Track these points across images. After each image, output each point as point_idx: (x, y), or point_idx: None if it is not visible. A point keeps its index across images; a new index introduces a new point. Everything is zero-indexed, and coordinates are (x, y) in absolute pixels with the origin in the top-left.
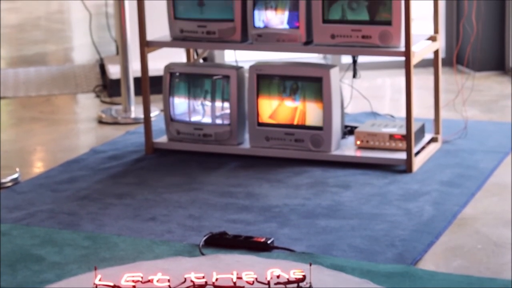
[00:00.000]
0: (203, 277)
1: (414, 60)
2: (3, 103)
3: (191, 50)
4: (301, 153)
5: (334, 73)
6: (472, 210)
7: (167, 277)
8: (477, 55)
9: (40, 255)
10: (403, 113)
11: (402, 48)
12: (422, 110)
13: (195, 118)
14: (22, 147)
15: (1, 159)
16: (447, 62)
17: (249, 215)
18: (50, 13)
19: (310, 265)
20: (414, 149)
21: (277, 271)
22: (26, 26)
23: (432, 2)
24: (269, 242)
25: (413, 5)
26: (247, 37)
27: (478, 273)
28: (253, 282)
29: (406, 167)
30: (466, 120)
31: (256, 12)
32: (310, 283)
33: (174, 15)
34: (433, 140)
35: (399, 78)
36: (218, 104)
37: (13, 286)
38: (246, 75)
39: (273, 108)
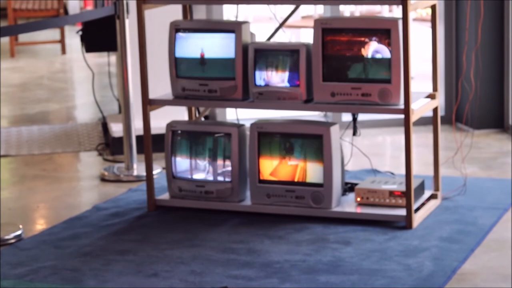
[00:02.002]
0: None
1: (413, 118)
2: (6, 161)
3: (193, 108)
4: (302, 209)
5: (334, 130)
6: (471, 266)
7: None
8: (476, 113)
9: None
10: (403, 170)
11: (401, 105)
12: (422, 167)
13: (197, 176)
14: (25, 204)
15: (5, 217)
16: (447, 120)
17: (251, 271)
18: (53, 73)
19: None
20: (414, 206)
21: None
22: (29, 85)
23: (431, 60)
24: None
25: (412, 63)
26: (248, 95)
27: None
28: None
29: (406, 224)
30: (465, 177)
31: (257, 71)
32: None
33: (176, 74)
34: (433, 196)
35: (399, 136)
36: (220, 161)
37: None
38: (247, 132)
39: (274, 165)
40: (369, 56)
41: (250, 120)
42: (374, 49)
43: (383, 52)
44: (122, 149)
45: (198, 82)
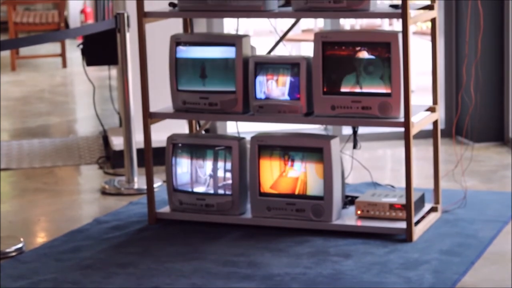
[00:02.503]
0: None
1: (413, 131)
2: (7, 174)
3: (194, 121)
4: (302, 222)
5: (334, 143)
6: (471, 279)
7: None
8: (476, 126)
9: None
10: (403, 183)
11: (402, 119)
12: (422, 180)
13: (197, 189)
14: (26, 217)
15: (6, 230)
16: (447, 133)
17: (251, 284)
18: (54, 86)
19: None
20: (414, 219)
21: None
22: (30, 98)
23: (431, 73)
24: None
25: (412, 76)
26: (249, 108)
27: None
28: None
29: (406, 236)
30: (465, 190)
31: (258, 84)
32: None
33: (177, 87)
34: (433, 209)
35: (400, 149)
36: (220, 174)
37: None
38: (248, 146)
39: (275, 178)
40: (369, 69)
41: (250, 133)
42: (374, 62)
43: (383, 65)
44: (122, 162)
45: (198, 95)
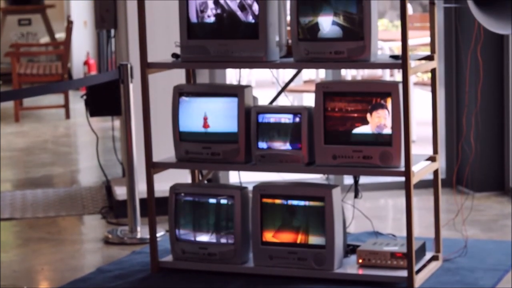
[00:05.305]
0: None
1: (414, 180)
2: (11, 224)
3: (196, 171)
4: (304, 271)
5: (336, 193)
6: None
7: None
8: (477, 176)
9: None
10: (404, 232)
11: (402, 168)
12: (423, 229)
13: (200, 238)
14: (30, 266)
15: (10, 279)
16: (447, 183)
17: None
18: (57, 137)
19: None
20: (415, 267)
21: None
22: (34, 149)
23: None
24: None
25: (413, 127)
26: (251, 158)
27: None
28: None
29: (407, 285)
30: (466, 239)
31: (260, 134)
32: None
33: (180, 137)
34: (434, 258)
35: (401, 199)
36: (223, 223)
37: None
38: (250, 195)
39: (277, 227)
40: (370, 118)
41: (252, 183)
42: (375, 111)
43: (384, 114)
44: (125, 212)
45: (201, 145)
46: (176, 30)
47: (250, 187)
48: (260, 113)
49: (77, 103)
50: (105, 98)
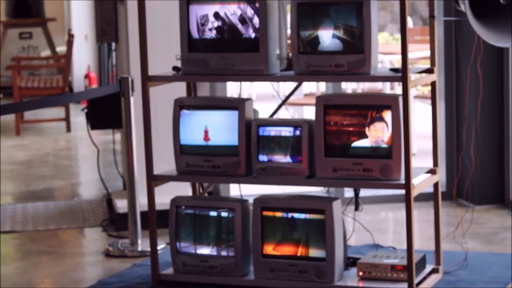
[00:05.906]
0: None
1: (414, 193)
2: (12, 237)
3: (197, 184)
4: (305, 284)
5: (336, 205)
6: None
7: None
8: (477, 189)
9: None
10: (405, 245)
11: (402, 180)
12: (423, 242)
13: (200, 251)
14: (31, 279)
15: None
16: (448, 195)
17: None
18: (58, 150)
19: None
20: (416, 280)
21: None
22: (35, 162)
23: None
24: None
25: (413, 140)
26: (252, 170)
27: None
28: None
29: None
30: (466, 252)
31: (260, 147)
32: None
33: (180, 150)
34: (434, 271)
35: (401, 212)
36: (223, 236)
37: None
38: (251, 208)
39: (277, 240)
40: (370, 131)
41: (253, 196)
42: (374, 124)
43: (384, 127)
44: (126, 225)
45: (202, 158)
46: (177, 43)
47: (251, 200)
48: (260, 126)
49: (78, 116)
50: (106, 111)
